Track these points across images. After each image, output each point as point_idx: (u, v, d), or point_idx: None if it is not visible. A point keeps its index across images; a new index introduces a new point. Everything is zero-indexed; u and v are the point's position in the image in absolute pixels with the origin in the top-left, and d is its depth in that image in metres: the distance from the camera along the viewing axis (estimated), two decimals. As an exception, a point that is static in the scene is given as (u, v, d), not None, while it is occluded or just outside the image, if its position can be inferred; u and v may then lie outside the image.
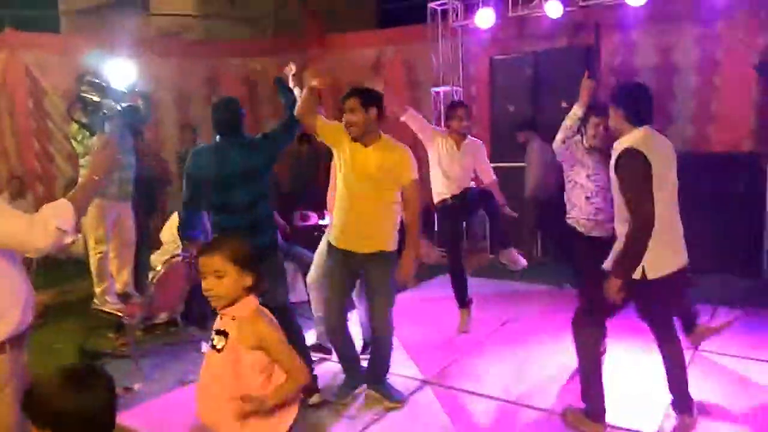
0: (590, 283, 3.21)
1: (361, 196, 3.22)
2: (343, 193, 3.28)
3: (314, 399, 3.33)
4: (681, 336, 3.51)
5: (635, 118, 2.88)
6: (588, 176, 3.67)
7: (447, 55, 7.65)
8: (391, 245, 3.31)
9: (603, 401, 3.02)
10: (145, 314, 4.13)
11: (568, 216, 3.80)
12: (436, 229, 5.61)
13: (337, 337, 3.41)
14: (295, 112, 3.30)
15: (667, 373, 3.04)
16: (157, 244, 4.89)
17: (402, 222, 3.32)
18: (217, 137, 3.33)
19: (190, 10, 10.78)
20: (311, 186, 7.34)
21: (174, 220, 4.75)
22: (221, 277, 1.91)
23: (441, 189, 4.42)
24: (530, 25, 7.21)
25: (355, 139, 3.20)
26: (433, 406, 3.43)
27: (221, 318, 2.01)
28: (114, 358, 4.22)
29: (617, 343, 3.95)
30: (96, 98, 3.99)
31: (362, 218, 3.23)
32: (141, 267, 4.73)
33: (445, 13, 7.49)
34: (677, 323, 3.59)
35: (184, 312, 4.51)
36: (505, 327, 4.67)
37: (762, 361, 3.83)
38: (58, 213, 1.88)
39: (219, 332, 1.99)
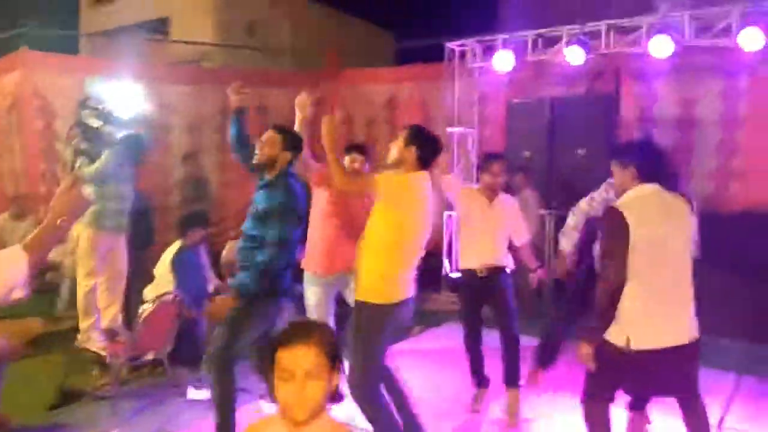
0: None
1: None
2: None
3: None
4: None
5: (643, 176, 2.72)
6: None
7: (463, 95, 7.52)
8: (370, 295, 2.98)
9: None
10: (131, 353, 3.91)
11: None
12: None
13: None
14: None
15: None
16: (151, 278, 4.70)
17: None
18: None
19: (210, 38, 10.87)
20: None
21: (169, 253, 4.57)
22: (313, 379, 1.44)
23: (469, 255, 3.89)
24: (549, 69, 7.08)
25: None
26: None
27: None
28: (94, 399, 3.99)
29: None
30: (96, 124, 3.87)
31: None
32: (132, 302, 4.53)
33: (463, 53, 7.39)
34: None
35: (173, 352, 4.29)
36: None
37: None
38: (5, 266, 1.66)
39: None
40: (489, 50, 7.06)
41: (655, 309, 2.59)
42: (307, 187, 3.61)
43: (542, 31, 6.59)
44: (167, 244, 4.72)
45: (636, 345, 2.56)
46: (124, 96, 4.04)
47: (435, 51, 7.87)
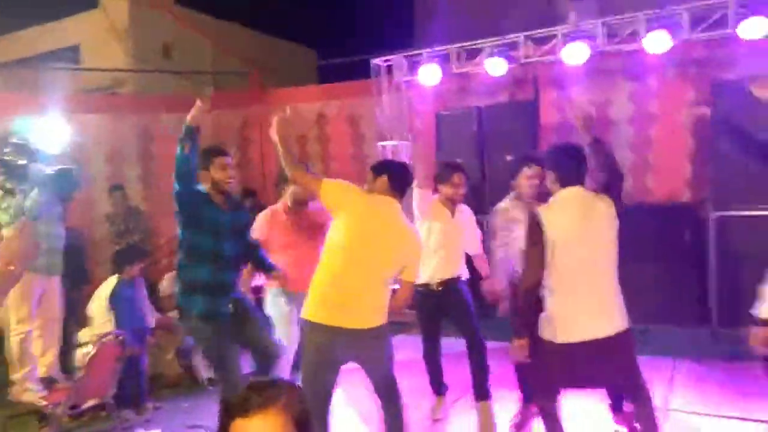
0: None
1: None
2: None
3: None
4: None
5: (563, 181, 2.89)
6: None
7: (392, 110, 7.63)
8: (304, 309, 2.95)
9: None
10: (73, 401, 3.68)
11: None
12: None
13: None
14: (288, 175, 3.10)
15: None
16: (84, 320, 4.45)
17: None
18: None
19: (123, 64, 10.47)
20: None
21: (104, 289, 4.35)
22: None
23: (429, 268, 3.71)
24: (474, 81, 7.32)
25: None
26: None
27: None
28: (37, 454, 3.73)
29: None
30: (21, 162, 3.64)
31: None
32: (69, 345, 4.27)
33: (389, 68, 7.51)
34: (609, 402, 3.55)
35: (117, 392, 4.08)
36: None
37: (730, 417, 3.77)
38: None
39: None
40: (414, 65, 7.22)
41: (576, 304, 2.75)
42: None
43: (464, 44, 6.81)
44: (101, 281, 4.50)
45: (561, 338, 2.73)
46: (49, 130, 3.83)
47: (359, 67, 7.96)
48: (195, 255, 3.18)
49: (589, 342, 2.72)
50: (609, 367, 2.84)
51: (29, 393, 3.70)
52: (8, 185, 3.68)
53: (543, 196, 3.31)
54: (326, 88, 9.13)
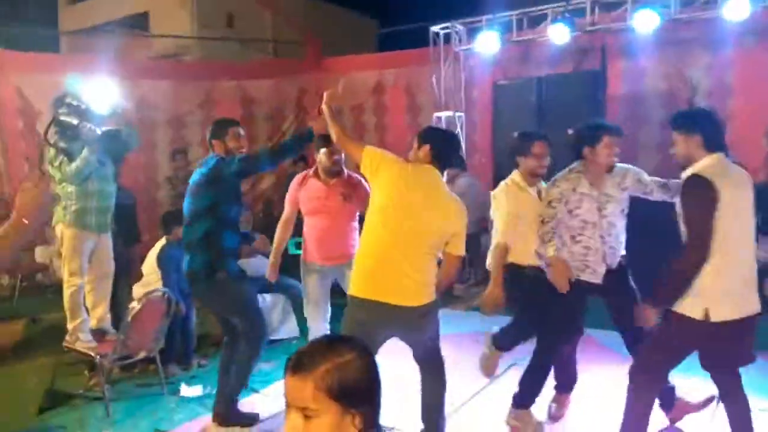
0: (653, 339, 2.80)
1: None
2: None
3: None
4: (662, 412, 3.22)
5: (711, 145, 2.63)
6: (570, 212, 3.18)
7: (449, 79, 7.44)
8: (351, 285, 2.88)
9: None
10: (121, 353, 3.83)
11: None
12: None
13: None
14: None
15: None
16: (139, 276, 4.61)
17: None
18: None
19: (189, 32, 10.70)
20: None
21: (155, 250, 4.48)
22: (311, 418, 1.21)
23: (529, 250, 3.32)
24: (535, 49, 7.01)
25: None
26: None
27: None
28: (85, 401, 3.91)
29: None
30: (74, 121, 3.76)
31: None
32: (120, 301, 4.44)
33: (447, 36, 7.30)
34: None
35: (164, 349, 4.22)
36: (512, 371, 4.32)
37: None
38: None
39: None
40: (474, 32, 6.98)
41: (735, 279, 2.56)
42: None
43: (526, 10, 6.51)
44: (156, 241, 4.64)
45: (716, 317, 2.51)
46: (102, 92, 3.92)
47: (419, 35, 7.78)
48: (227, 223, 3.34)
49: (737, 321, 2.53)
50: (743, 348, 2.66)
51: (80, 343, 3.87)
52: (61, 145, 3.79)
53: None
54: (383, 57, 9.01)
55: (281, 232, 3.88)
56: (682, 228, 2.65)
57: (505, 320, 3.74)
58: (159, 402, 3.90)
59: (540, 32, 6.45)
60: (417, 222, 2.72)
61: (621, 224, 3.21)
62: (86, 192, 3.89)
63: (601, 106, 6.41)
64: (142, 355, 4.04)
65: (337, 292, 3.85)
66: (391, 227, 2.72)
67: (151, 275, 4.50)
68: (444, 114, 7.33)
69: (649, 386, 2.76)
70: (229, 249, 3.36)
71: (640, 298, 3.04)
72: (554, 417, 3.55)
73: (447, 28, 7.21)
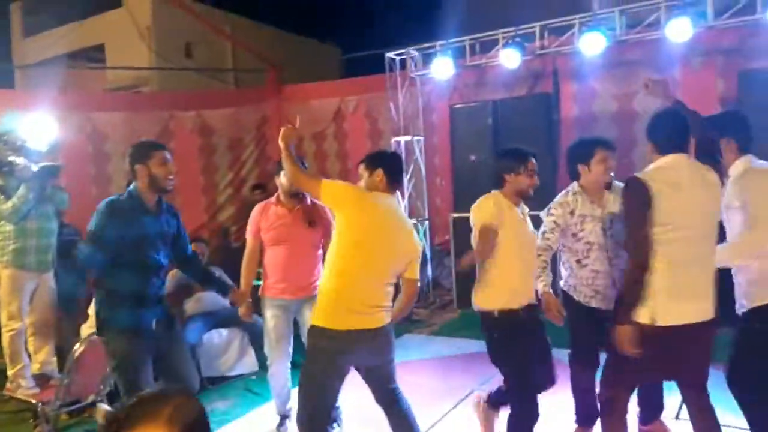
0: (609, 360, 2.74)
1: None
2: None
3: None
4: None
5: (665, 147, 2.56)
6: (574, 235, 3.09)
7: (407, 104, 7.49)
8: (317, 316, 2.78)
9: None
10: (65, 399, 3.66)
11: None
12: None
13: None
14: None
15: None
16: (87, 317, 4.45)
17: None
18: None
19: (146, 62, 10.59)
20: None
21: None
22: None
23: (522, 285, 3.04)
24: (489, 73, 7.12)
25: None
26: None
27: None
28: (29, 451, 3.73)
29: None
30: (10, 158, 3.64)
31: None
32: (66, 343, 4.27)
33: (403, 62, 7.37)
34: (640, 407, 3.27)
35: (114, 391, 4.05)
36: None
37: None
38: None
39: None
40: (428, 58, 7.06)
41: (680, 282, 2.49)
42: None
43: (478, 36, 6.62)
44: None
45: (662, 321, 2.43)
46: (41, 127, 3.81)
47: (379, 62, 7.83)
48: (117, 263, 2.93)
49: (687, 326, 2.44)
50: (699, 357, 2.57)
51: (22, 390, 3.71)
52: None
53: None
54: (343, 84, 9.04)
55: (248, 267, 3.69)
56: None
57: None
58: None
59: (492, 57, 6.55)
60: (387, 250, 2.76)
61: None
62: (25, 230, 3.77)
63: (555, 127, 6.53)
64: (90, 399, 3.87)
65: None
66: (363, 257, 2.73)
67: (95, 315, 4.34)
68: (403, 138, 7.36)
69: (616, 400, 2.69)
70: None
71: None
72: None
73: (402, 54, 7.28)
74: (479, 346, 5.04)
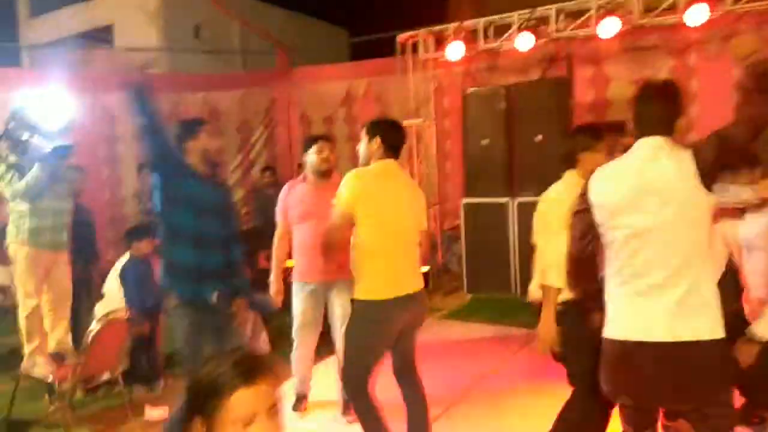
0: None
1: None
2: None
3: None
4: None
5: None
6: None
7: (419, 87, 7.43)
8: (360, 291, 2.89)
9: None
10: (81, 376, 3.68)
11: None
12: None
13: None
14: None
15: None
16: (100, 294, 4.46)
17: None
18: None
19: (155, 44, 10.53)
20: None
21: (118, 267, 4.34)
22: (275, 419, 1.27)
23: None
24: (503, 57, 7.05)
25: None
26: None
27: None
28: (46, 427, 3.75)
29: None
30: (24, 137, 3.63)
31: None
32: (81, 321, 4.29)
33: (415, 45, 7.30)
34: None
35: (129, 369, 4.08)
36: (484, 380, 4.28)
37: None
38: None
39: None
40: (441, 41, 6.99)
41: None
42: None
43: (492, 18, 6.54)
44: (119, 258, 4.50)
45: (606, 333, 2.16)
46: (56, 106, 3.79)
47: (390, 44, 7.77)
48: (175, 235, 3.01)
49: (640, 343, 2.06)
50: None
51: (38, 368, 3.72)
52: (12, 160, 3.67)
53: None
54: (353, 66, 8.97)
55: (279, 247, 3.73)
56: None
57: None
58: (123, 425, 3.76)
59: (506, 40, 6.48)
60: (404, 215, 2.94)
61: None
62: (40, 209, 3.76)
63: (569, 112, 6.46)
64: (105, 376, 3.89)
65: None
66: (389, 232, 2.87)
67: (112, 293, 4.36)
68: (414, 122, 7.32)
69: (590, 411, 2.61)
70: None
71: None
72: None
73: (414, 36, 7.21)
74: (489, 330, 5.07)
